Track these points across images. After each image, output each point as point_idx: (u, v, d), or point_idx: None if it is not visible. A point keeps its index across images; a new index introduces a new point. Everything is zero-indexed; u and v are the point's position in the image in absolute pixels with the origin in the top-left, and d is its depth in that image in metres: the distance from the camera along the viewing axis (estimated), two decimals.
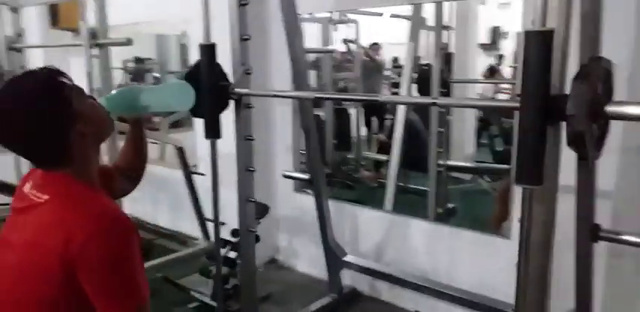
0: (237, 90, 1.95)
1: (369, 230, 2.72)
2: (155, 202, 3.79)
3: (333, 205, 2.81)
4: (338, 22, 4.53)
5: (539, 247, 1.33)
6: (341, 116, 4.53)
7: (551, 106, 1.18)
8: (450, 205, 3.26)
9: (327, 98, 2.15)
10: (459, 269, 2.34)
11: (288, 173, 2.65)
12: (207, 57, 1.92)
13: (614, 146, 1.86)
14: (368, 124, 4.91)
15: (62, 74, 1.11)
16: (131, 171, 1.50)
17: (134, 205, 3.97)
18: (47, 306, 1.03)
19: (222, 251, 2.54)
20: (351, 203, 2.86)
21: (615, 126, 1.86)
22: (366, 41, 4.67)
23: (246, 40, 2.02)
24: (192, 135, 3.37)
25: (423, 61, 3.46)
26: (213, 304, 2.49)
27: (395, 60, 5.21)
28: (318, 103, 4.98)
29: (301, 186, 2.92)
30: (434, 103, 1.42)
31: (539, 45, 1.16)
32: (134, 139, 1.49)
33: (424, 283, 2.25)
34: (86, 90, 2.84)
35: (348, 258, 2.51)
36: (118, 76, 5.68)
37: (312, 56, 4.61)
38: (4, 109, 1.03)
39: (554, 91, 1.20)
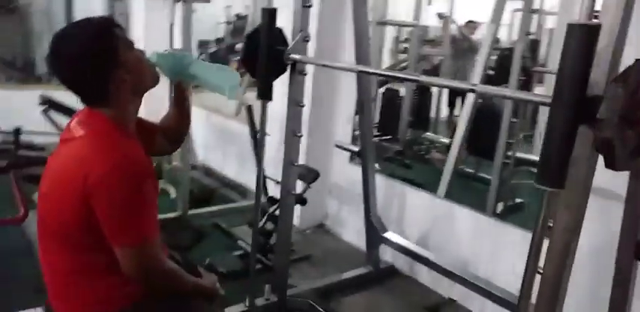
0: (292, 56, 1.98)
1: (417, 212, 2.70)
2: (225, 153, 4.00)
3: (385, 181, 2.82)
4: None
5: (558, 254, 1.26)
6: (422, 94, 4.40)
7: (584, 107, 1.09)
8: (518, 201, 3.11)
9: (371, 73, 2.10)
10: (501, 267, 2.25)
11: (339, 144, 2.67)
12: (267, 20, 1.95)
13: None
14: (451, 104, 4.71)
15: (115, 25, 1.23)
16: (172, 132, 1.57)
17: (207, 152, 4.24)
18: (67, 230, 1.18)
19: (271, 209, 2.68)
20: (405, 182, 2.82)
21: None
22: (462, 18, 4.42)
23: (308, 6, 2.02)
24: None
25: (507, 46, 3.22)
26: (257, 256, 2.63)
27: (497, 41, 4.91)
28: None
29: (355, 158, 2.94)
30: (472, 90, 1.36)
31: (581, 40, 1.06)
32: (177, 101, 1.56)
33: (459, 273, 2.20)
34: (168, 41, 3.04)
35: (388, 235, 2.52)
36: (220, 30, 5.95)
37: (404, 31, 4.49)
38: (60, 47, 1.19)
39: (597, 91, 1.10)
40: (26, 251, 2.40)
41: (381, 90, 4.37)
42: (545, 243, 1.29)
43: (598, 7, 1.15)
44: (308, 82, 2.89)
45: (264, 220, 2.63)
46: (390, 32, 4.56)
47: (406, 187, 2.76)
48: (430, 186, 2.79)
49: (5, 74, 5.58)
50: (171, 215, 3.08)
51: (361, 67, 1.83)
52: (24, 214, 2.43)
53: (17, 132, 3.83)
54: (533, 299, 1.32)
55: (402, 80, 3.59)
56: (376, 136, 4.55)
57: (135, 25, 4.66)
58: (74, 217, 1.15)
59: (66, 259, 1.22)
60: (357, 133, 2.79)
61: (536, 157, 3.40)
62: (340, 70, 2.41)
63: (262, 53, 1.96)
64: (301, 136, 2.14)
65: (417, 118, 4.30)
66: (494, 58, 3.21)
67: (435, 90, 4.40)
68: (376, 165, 3.26)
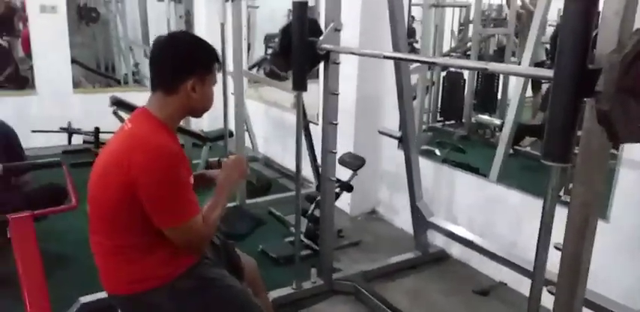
0: (323, 45, 2.03)
1: (466, 196, 2.66)
2: (285, 145, 4.13)
3: (433, 166, 2.80)
4: None
5: (576, 230, 1.22)
6: (488, 75, 4.23)
7: (586, 81, 1.05)
8: None
9: (393, 58, 2.10)
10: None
11: (382, 130, 2.68)
12: (298, 13, 2.02)
13: None
14: (536, 88, 4.41)
15: (218, 60, 1.50)
16: None
17: (267, 145, 4.40)
18: (115, 212, 1.33)
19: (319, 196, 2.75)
20: (460, 168, 2.78)
21: None
22: None
23: None
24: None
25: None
26: (306, 241, 2.73)
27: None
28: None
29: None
30: (485, 69, 1.35)
31: (578, 11, 1.03)
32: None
33: (507, 256, 2.16)
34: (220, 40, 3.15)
35: (434, 219, 2.51)
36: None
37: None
38: (178, 39, 1.46)
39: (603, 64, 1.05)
40: None
41: (443, 74, 4.28)
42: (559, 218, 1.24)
43: None
44: (353, 71, 2.96)
45: (312, 207, 2.72)
46: (451, 14, 4.44)
47: (457, 172, 2.72)
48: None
49: (90, 79, 6.11)
50: (230, 205, 3.25)
51: (386, 53, 1.84)
52: None
53: (97, 131, 4.23)
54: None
55: (419, 62, 3.49)
56: (439, 121, 4.50)
57: (197, 26, 4.92)
58: (120, 202, 1.31)
59: (115, 239, 1.37)
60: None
61: None
62: (368, 56, 2.43)
63: (294, 45, 2.03)
64: (337, 124, 2.18)
65: (482, 102, 4.17)
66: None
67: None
68: (437, 151, 3.26)
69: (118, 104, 3.66)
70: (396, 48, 2.26)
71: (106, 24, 6.39)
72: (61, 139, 4.32)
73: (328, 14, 2.08)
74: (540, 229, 1.26)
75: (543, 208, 1.23)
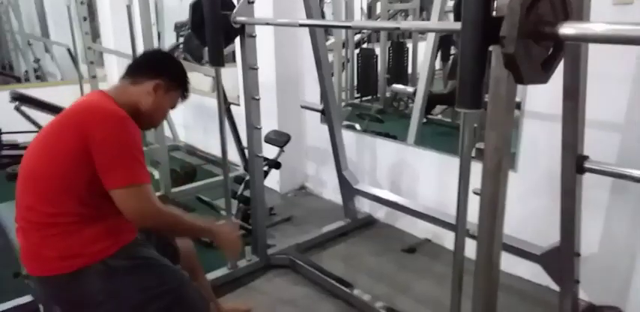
0: (238, 18, 2.02)
1: (388, 162, 2.77)
2: (206, 130, 4.07)
3: (354, 136, 2.89)
4: None
5: (491, 174, 1.33)
6: (397, 51, 4.41)
7: (491, 28, 1.14)
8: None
9: (310, 25, 2.14)
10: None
11: (304, 104, 2.72)
12: None
13: (627, 74, 1.73)
14: (445, 58, 4.59)
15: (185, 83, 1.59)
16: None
17: (188, 132, 4.31)
18: (62, 177, 1.28)
19: (247, 176, 2.75)
20: (378, 136, 2.89)
21: (628, 52, 1.73)
22: None
23: None
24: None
25: None
26: (239, 222, 2.72)
27: None
28: (370, 37, 4.92)
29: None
30: (397, 28, 1.41)
31: None
32: None
33: (431, 213, 2.29)
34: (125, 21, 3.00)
35: (360, 186, 2.60)
36: None
37: None
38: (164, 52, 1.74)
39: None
40: None
41: (357, 51, 4.40)
42: (475, 165, 1.34)
43: None
44: (270, 45, 2.95)
45: (242, 187, 2.71)
46: None
47: (377, 140, 2.83)
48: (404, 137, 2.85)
49: None
50: (156, 194, 3.16)
51: (301, 21, 1.87)
52: None
53: None
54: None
55: (335, 28, 3.57)
56: (356, 97, 4.63)
57: (101, 12, 4.67)
58: (70, 161, 1.27)
59: (54, 206, 1.29)
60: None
61: None
62: (286, 26, 2.45)
63: (207, 19, 2.00)
64: (259, 99, 2.18)
65: (395, 76, 4.34)
66: None
67: (410, 45, 4.40)
68: (357, 125, 3.36)
69: (20, 99, 3.42)
70: (309, 17, 2.30)
71: None
72: None
73: None
74: (460, 177, 1.36)
75: (460, 154, 1.32)
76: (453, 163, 2.39)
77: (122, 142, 1.28)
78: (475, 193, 1.37)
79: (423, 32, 3.91)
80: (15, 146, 4.00)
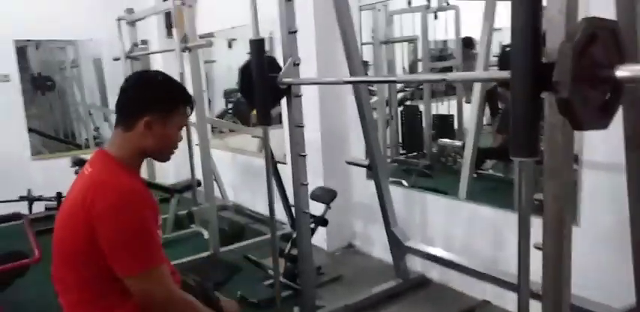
0: (284, 80, 2.09)
1: (440, 218, 2.68)
2: (254, 190, 4.11)
3: (403, 192, 2.83)
4: (437, 10, 4.44)
5: (553, 225, 1.25)
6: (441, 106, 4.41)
7: (542, 75, 1.12)
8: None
9: (355, 82, 2.18)
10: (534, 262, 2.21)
11: (350, 160, 2.72)
12: (256, 51, 2.09)
13: None
14: (493, 112, 4.58)
15: (190, 103, 1.49)
16: None
17: (237, 193, 4.37)
18: (79, 256, 1.26)
19: (295, 234, 2.71)
20: (427, 191, 2.82)
21: None
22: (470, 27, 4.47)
23: (294, 33, 2.15)
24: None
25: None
26: (286, 281, 2.66)
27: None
28: (414, 95, 4.98)
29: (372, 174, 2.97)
30: (444, 79, 1.41)
31: (524, 11, 1.11)
32: None
33: (490, 272, 2.17)
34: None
35: (411, 243, 2.51)
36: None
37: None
38: (145, 76, 1.47)
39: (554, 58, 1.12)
40: None
41: (400, 108, 4.44)
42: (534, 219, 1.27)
43: None
44: (315, 102, 3.03)
45: (289, 245, 2.67)
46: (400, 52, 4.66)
47: (427, 195, 2.76)
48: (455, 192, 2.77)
49: (50, 148, 5.98)
50: (204, 254, 3.17)
51: (346, 78, 1.92)
52: None
53: (59, 196, 4.11)
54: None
55: (378, 83, 3.59)
56: (402, 154, 4.61)
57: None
58: (85, 245, 1.22)
59: (80, 286, 1.28)
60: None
61: None
62: (331, 84, 2.51)
63: (256, 81, 2.08)
64: (305, 155, 2.19)
65: (440, 131, 4.31)
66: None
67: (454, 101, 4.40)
68: (404, 181, 3.31)
69: (80, 164, 3.60)
70: (353, 75, 2.35)
71: (62, 91, 6.37)
72: (23, 209, 4.15)
73: (285, 50, 2.16)
74: (519, 230, 1.28)
75: (518, 206, 1.26)
76: (510, 218, 2.30)
77: (126, 229, 1.21)
78: (536, 247, 1.28)
79: (469, 84, 3.95)
80: None
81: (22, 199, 4.11)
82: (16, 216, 2.03)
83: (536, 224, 1.24)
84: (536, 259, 1.26)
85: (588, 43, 1.07)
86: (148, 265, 1.22)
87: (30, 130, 4.79)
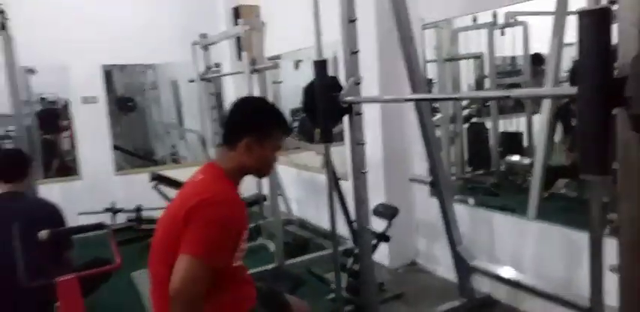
0: (345, 98, 2.16)
1: (507, 237, 2.61)
2: (318, 205, 4.17)
3: (468, 211, 2.78)
4: (504, 26, 4.37)
5: (630, 249, 1.19)
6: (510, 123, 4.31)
7: (613, 90, 1.09)
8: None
9: (416, 99, 2.20)
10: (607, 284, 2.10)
11: (412, 177, 2.72)
12: (319, 71, 2.18)
13: None
14: (566, 130, 4.42)
15: (287, 130, 1.64)
16: None
17: (301, 208, 4.45)
18: (175, 249, 1.36)
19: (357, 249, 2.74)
20: (494, 210, 2.76)
21: None
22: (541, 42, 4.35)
23: (356, 53, 2.21)
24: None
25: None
26: (348, 296, 2.67)
27: None
28: (480, 112, 4.88)
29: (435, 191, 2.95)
30: (508, 96, 1.42)
31: (592, 25, 1.09)
32: None
33: (560, 295, 2.08)
34: None
35: (477, 263, 2.45)
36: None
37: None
38: (253, 102, 1.67)
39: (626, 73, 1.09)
40: None
41: (466, 125, 4.38)
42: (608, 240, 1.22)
43: None
44: (377, 120, 3.06)
45: (351, 260, 2.70)
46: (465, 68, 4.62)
47: (494, 214, 2.70)
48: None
49: (131, 164, 6.41)
50: (270, 266, 3.26)
51: (407, 96, 1.95)
52: None
53: (138, 210, 4.40)
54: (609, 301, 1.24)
55: (442, 100, 3.56)
56: (468, 172, 4.52)
57: (226, 101, 5.24)
58: (172, 236, 1.36)
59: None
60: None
61: None
62: (392, 102, 2.54)
63: (319, 100, 2.17)
64: (365, 172, 2.23)
65: (508, 149, 4.19)
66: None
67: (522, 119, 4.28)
68: (470, 199, 3.25)
69: (158, 179, 3.85)
70: (415, 92, 2.37)
71: (142, 111, 6.83)
72: (107, 220, 4.47)
73: (347, 70, 2.23)
74: (591, 252, 1.23)
75: (590, 229, 1.22)
76: (584, 239, 2.21)
77: (208, 219, 1.34)
78: (612, 270, 1.22)
79: (537, 100, 3.82)
80: (152, 221, 4.44)
81: (106, 210, 4.45)
82: (99, 226, 2.21)
83: (611, 243, 1.18)
84: (612, 282, 1.20)
85: None
86: (197, 253, 1.30)
87: (114, 147, 5.15)
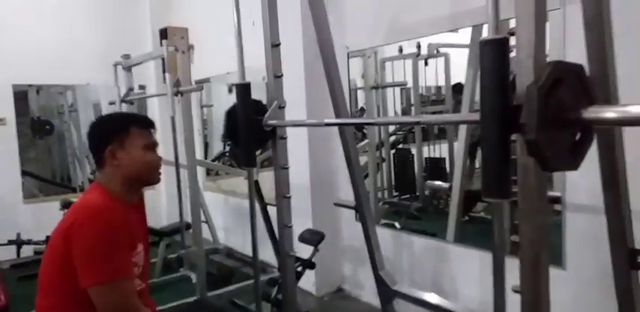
0: (269, 122, 2.13)
1: (428, 261, 2.64)
2: (245, 233, 4.05)
3: (392, 234, 2.80)
4: (428, 56, 4.58)
5: (530, 269, 1.23)
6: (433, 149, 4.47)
7: (510, 117, 1.14)
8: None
9: (335, 124, 2.23)
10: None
11: (337, 201, 2.71)
12: (241, 94, 2.14)
13: None
14: (472, 154, 4.65)
15: (134, 117, 1.64)
16: None
17: (228, 235, 4.32)
18: (55, 277, 1.33)
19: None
20: (416, 234, 2.80)
21: None
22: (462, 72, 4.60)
23: (280, 77, 2.21)
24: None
25: None
26: None
27: None
28: (407, 138, 5.05)
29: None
30: (418, 122, 1.44)
31: (492, 54, 1.14)
32: None
33: None
34: (169, 131, 3.19)
35: (399, 287, 2.45)
36: None
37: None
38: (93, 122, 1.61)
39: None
40: None
41: (392, 151, 4.49)
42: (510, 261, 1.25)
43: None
44: (304, 145, 3.06)
45: (275, 290, 2.62)
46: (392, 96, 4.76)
47: (415, 238, 2.73)
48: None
49: (46, 191, 5.98)
50: (191, 299, 3.09)
51: (327, 121, 1.95)
52: None
53: (47, 240, 4.07)
54: None
55: (359, 125, 3.64)
56: (395, 196, 4.62)
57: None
58: (55, 263, 1.32)
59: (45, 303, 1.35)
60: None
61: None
62: (314, 126, 2.55)
63: (241, 123, 2.12)
64: (289, 197, 2.19)
65: (432, 174, 4.32)
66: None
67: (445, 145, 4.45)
68: (396, 223, 3.28)
69: (69, 207, 3.58)
70: (338, 117, 2.39)
71: (60, 135, 6.44)
72: (10, 253, 4.09)
73: (271, 93, 2.21)
74: (494, 272, 1.26)
75: (493, 251, 1.25)
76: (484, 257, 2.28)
77: (98, 241, 1.28)
78: (515, 291, 1.25)
79: (443, 125, 4.01)
80: None
81: (10, 242, 4.08)
82: None
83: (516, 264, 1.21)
84: (517, 302, 1.23)
85: (554, 86, 1.10)
86: (112, 275, 1.26)
87: (24, 173, 4.79)
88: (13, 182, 4.52)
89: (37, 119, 6.33)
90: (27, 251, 4.03)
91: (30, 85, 4.91)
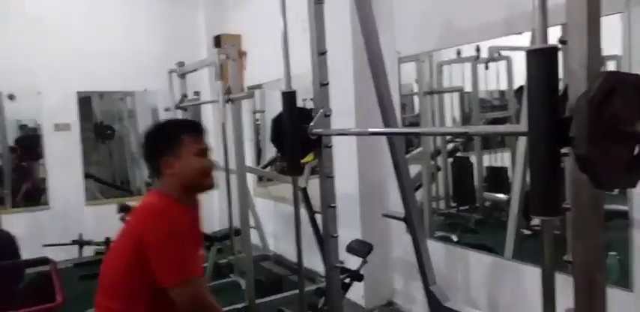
0: (314, 130, 2.08)
1: (483, 277, 2.50)
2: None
3: (445, 248, 2.68)
4: (488, 60, 4.38)
5: (583, 291, 1.12)
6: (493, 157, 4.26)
7: (560, 129, 1.04)
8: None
9: (379, 133, 2.16)
10: None
11: (386, 212, 2.61)
12: (287, 102, 2.11)
13: None
14: None
15: (185, 124, 1.68)
16: None
17: (278, 242, 4.31)
18: (120, 277, 1.40)
19: None
20: (472, 249, 2.66)
21: None
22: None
23: (325, 85, 2.16)
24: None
25: None
26: None
27: None
28: (466, 146, 4.81)
29: None
30: (466, 133, 1.35)
31: (540, 64, 1.05)
32: None
33: None
34: (220, 137, 3.20)
35: (450, 304, 2.33)
36: None
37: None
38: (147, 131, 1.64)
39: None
40: None
41: (450, 160, 4.30)
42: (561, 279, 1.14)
43: None
44: (353, 154, 2.99)
45: (322, 300, 2.56)
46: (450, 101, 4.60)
47: (470, 252, 2.60)
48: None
49: (106, 194, 6.23)
50: (239, 306, 3.09)
51: (371, 130, 1.88)
52: None
53: (107, 241, 4.22)
54: None
55: (402, 135, 3.49)
56: (453, 207, 4.43)
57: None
58: (129, 266, 1.38)
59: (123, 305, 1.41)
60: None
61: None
62: (358, 135, 2.48)
63: (286, 131, 2.09)
64: (335, 206, 2.14)
65: (493, 184, 4.11)
66: None
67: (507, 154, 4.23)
68: (453, 236, 3.14)
69: (125, 210, 3.69)
70: (387, 126, 2.31)
71: (120, 139, 6.69)
72: (74, 252, 4.27)
73: (317, 101, 2.17)
74: (544, 295, 1.15)
75: (542, 270, 1.14)
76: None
77: (170, 241, 1.34)
78: None
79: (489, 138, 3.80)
80: None
81: (73, 242, 4.27)
82: (44, 260, 2.10)
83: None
84: None
85: (606, 98, 0.99)
86: (188, 273, 1.36)
87: (87, 175, 5.00)
88: (77, 185, 4.73)
89: (100, 124, 6.63)
90: (88, 251, 4.20)
91: (93, 92, 5.14)
